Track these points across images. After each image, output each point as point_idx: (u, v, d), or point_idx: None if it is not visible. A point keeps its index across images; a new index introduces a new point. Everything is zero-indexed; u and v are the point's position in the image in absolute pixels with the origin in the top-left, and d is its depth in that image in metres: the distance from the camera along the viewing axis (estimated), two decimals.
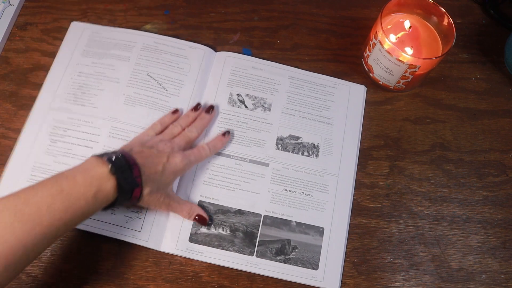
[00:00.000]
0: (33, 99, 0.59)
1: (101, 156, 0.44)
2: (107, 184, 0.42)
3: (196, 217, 0.52)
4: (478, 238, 0.55)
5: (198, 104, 0.58)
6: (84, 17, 0.65)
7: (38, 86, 0.60)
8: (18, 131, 0.57)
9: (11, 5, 0.64)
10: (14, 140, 0.57)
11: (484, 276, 0.53)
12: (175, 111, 0.57)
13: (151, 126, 0.55)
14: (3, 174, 0.54)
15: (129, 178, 0.44)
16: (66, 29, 0.64)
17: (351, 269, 0.53)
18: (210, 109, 0.57)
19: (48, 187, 0.40)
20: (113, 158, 0.44)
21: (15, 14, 0.64)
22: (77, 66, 0.61)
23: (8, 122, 0.58)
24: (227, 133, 0.57)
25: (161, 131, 0.55)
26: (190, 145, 0.55)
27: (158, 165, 0.48)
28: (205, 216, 0.52)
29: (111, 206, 0.45)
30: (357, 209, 0.56)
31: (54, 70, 0.61)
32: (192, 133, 0.55)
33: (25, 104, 0.59)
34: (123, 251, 0.52)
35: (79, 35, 0.63)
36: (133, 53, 0.62)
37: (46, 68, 0.61)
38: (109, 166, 0.43)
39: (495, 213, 0.57)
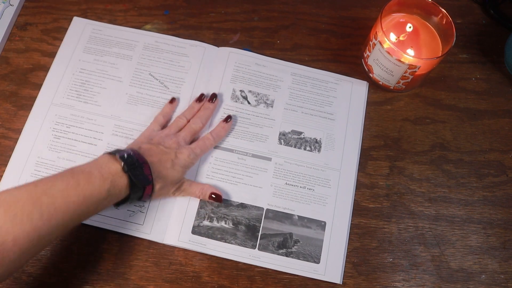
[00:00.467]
0: (33, 99, 0.59)
1: (113, 153, 0.46)
2: (120, 180, 0.44)
3: (212, 196, 0.53)
4: (478, 238, 0.55)
5: (202, 95, 0.59)
6: (84, 17, 0.65)
7: (38, 86, 0.60)
8: (18, 131, 0.57)
9: (11, 5, 0.64)
10: (14, 140, 0.57)
11: (483, 276, 0.53)
12: (172, 100, 0.58)
13: (154, 120, 0.57)
14: (6, 168, 0.55)
15: (140, 176, 0.46)
16: (66, 29, 0.64)
17: (351, 269, 0.53)
18: (213, 97, 0.58)
19: (65, 179, 0.42)
20: (125, 156, 0.45)
21: (15, 14, 0.64)
22: (78, 63, 0.61)
23: (8, 122, 0.58)
24: (229, 119, 0.57)
25: (164, 123, 0.57)
26: (195, 136, 0.56)
27: (167, 162, 0.50)
28: (219, 193, 0.53)
29: (123, 202, 0.47)
30: (357, 209, 0.56)
31: (56, 66, 0.61)
32: (196, 124, 0.56)
33: (25, 104, 0.59)
34: (123, 251, 0.52)
35: (81, 31, 0.63)
36: (135, 52, 0.62)
37: (46, 68, 0.61)
38: (122, 163, 0.45)
39: (495, 213, 0.57)
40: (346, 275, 0.53)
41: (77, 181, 0.42)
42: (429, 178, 0.58)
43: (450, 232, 0.55)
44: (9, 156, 0.55)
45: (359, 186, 0.57)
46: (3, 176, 0.54)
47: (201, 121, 0.56)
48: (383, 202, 0.57)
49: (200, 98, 0.58)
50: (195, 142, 0.55)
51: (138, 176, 0.45)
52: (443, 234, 0.55)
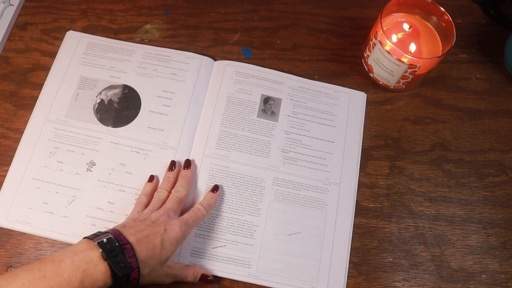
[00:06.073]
0: (33, 99, 0.59)
1: (92, 237, 0.42)
2: (96, 269, 0.40)
3: (201, 277, 0.50)
4: (478, 238, 0.55)
5: (172, 163, 0.55)
6: (84, 17, 0.65)
7: (38, 86, 0.60)
8: (18, 131, 0.57)
9: (11, 5, 0.64)
10: (14, 140, 0.57)
11: (484, 276, 0.53)
12: (151, 177, 0.54)
13: (136, 203, 0.52)
14: (7, 175, 0.54)
15: (122, 262, 0.41)
16: (66, 29, 0.64)
17: (351, 269, 0.53)
18: (188, 165, 0.54)
19: (29, 271, 0.38)
20: (105, 241, 0.41)
21: (15, 14, 0.64)
22: (76, 75, 0.61)
23: (8, 122, 0.58)
24: (216, 189, 0.54)
25: (148, 204, 0.52)
26: (182, 205, 0.52)
27: (155, 239, 0.44)
28: (209, 275, 0.50)
29: None
30: (357, 209, 0.56)
31: (52, 78, 0.60)
32: (180, 193, 0.51)
33: (25, 104, 0.59)
34: None
35: (75, 46, 0.62)
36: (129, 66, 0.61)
37: (46, 68, 0.61)
38: (100, 250, 0.40)
39: (495, 213, 0.57)
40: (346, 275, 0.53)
41: (43, 272, 0.38)
42: (429, 178, 0.58)
43: (450, 232, 0.55)
44: (10, 156, 0.55)
45: (359, 186, 0.57)
46: (6, 177, 0.54)
47: (184, 189, 0.52)
48: (383, 202, 0.57)
49: (171, 167, 0.54)
50: (186, 213, 0.50)
51: (119, 263, 0.40)
52: (443, 234, 0.55)
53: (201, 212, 0.51)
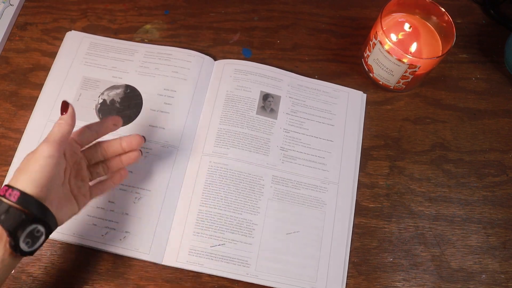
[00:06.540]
0: (33, 99, 0.59)
1: None
2: None
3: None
4: (478, 238, 0.55)
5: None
6: (84, 17, 0.65)
7: (38, 86, 0.60)
8: (18, 131, 0.57)
9: (11, 5, 0.64)
10: (14, 140, 0.57)
11: (484, 276, 0.53)
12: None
13: None
14: (7, 175, 0.54)
15: (9, 210, 0.36)
16: (66, 29, 0.64)
17: (351, 269, 0.53)
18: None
19: None
20: None
21: (15, 14, 0.64)
22: (77, 74, 0.61)
23: (8, 122, 0.58)
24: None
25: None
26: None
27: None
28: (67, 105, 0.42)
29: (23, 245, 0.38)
30: (357, 209, 0.56)
31: (50, 82, 0.60)
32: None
33: (25, 104, 0.59)
34: None
35: (77, 45, 0.63)
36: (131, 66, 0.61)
37: (46, 68, 0.61)
38: None
39: (495, 213, 0.57)
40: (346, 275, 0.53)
41: None
42: (429, 178, 0.58)
43: (450, 232, 0.55)
44: (10, 156, 0.55)
45: (359, 186, 0.57)
46: (6, 177, 0.54)
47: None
48: (383, 202, 0.57)
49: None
50: None
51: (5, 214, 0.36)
52: (443, 234, 0.55)
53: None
